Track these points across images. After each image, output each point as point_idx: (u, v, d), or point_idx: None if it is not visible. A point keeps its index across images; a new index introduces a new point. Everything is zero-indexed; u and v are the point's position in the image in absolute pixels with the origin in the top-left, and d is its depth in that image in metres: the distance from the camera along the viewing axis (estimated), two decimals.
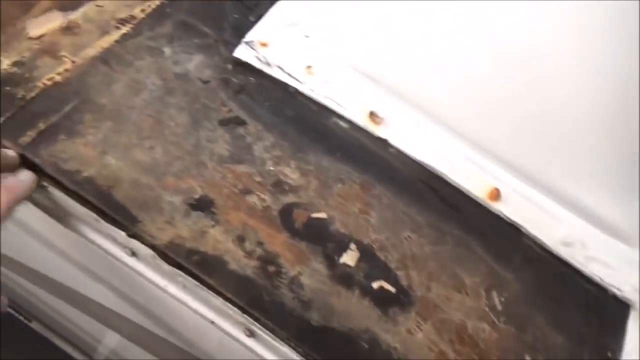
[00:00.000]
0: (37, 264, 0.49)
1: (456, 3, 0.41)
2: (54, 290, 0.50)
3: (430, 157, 0.38)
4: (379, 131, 0.39)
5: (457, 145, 0.39)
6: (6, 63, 0.34)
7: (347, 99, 0.39)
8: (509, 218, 0.38)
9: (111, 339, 0.56)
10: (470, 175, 0.39)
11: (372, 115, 0.39)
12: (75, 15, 0.37)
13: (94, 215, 0.31)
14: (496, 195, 0.38)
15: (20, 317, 0.74)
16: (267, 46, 0.39)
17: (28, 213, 0.35)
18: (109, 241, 0.32)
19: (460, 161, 0.39)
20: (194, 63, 0.38)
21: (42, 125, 0.32)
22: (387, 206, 0.36)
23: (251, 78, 0.38)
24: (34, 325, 0.75)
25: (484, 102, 0.41)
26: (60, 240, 0.39)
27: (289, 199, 0.34)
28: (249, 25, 0.41)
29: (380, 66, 0.41)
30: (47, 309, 0.63)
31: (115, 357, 0.59)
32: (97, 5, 0.38)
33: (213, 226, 0.32)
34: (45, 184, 0.31)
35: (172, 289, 0.32)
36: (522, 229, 0.37)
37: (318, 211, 0.34)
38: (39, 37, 0.35)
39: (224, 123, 0.36)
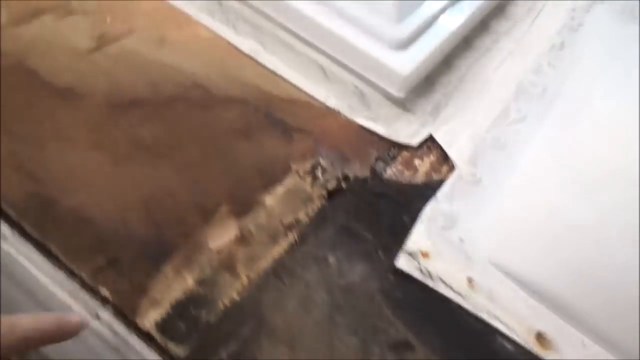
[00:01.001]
0: None
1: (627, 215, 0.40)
2: None
3: None
4: (548, 356, 0.36)
5: None
6: (190, 281, 0.35)
7: (512, 316, 0.37)
8: None
9: None
10: None
11: (540, 336, 0.37)
12: (247, 221, 0.38)
13: None
14: None
15: None
16: (428, 257, 0.39)
17: None
18: None
19: None
20: (357, 274, 0.38)
21: (224, 356, 0.32)
22: None
23: (413, 291, 0.38)
24: None
25: None
26: None
27: None
28: (404, 226, 0.41)
29: (540, 277, 0.39)
30: None
31: None
32: (265, 208, 0.39)
33: None
34: None
35: None
36: None
37: None
38: (218, 250, 0.36)
39: (393, 347, 0.35)
